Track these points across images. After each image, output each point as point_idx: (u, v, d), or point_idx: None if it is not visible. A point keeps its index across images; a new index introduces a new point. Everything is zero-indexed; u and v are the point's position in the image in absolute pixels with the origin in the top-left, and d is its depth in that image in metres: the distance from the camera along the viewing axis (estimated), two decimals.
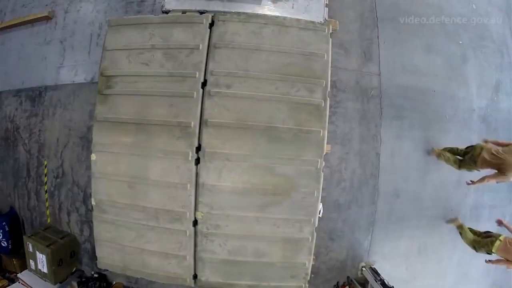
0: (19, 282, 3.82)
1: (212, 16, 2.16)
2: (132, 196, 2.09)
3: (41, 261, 3.61)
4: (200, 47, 2.09)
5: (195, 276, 2.15)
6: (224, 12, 2.20)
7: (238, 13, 2.17)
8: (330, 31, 2.13)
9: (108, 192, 2.12)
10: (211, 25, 2.14)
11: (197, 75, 2.06)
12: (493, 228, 4.01)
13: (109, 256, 2.22)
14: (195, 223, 2.07)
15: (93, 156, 2.14)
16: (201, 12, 2.27)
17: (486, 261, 3.19)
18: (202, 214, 2.05)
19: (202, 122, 2.01)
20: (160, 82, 2.08)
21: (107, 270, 2.29)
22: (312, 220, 2.00)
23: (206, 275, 2.11)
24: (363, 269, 3.48)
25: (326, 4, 3.20)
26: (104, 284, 3.70)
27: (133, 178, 2.08)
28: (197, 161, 2.02)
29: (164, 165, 2.04)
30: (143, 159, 2.06)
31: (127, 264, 2.19)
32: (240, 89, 2.02)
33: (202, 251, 2.09)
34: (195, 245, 2.09)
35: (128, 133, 2.07)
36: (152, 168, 2.05)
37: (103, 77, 2.16)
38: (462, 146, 3.37)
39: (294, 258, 2.05)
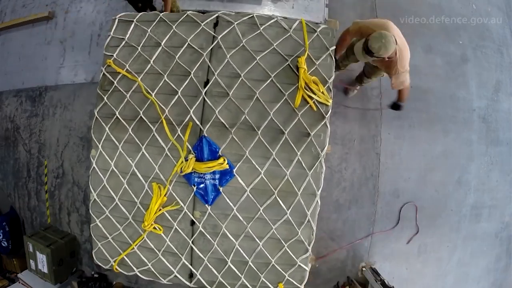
0: (19, 282, 3.83)
1: (217, 16, 2.17)
2: (130, 192, 2.10)
3: (41, 261, 3.61)
4: (204, 47, 2.10)
5: (191, 275, 2.15)
6: (227, 12, 2.20)
7: (242, 14, 2.17)
8: (335, 35, 2.13)
9: (106, 188, 2.13)
10: (215, 25, 2.15)
11: (200, 75, 2.07)
12: (492, 227, 4.03)
13: (105, 252, 2.23)
14: (192, 222, 2.08)
15: (93, 152, 2.15)
16: (203, 13, 2.28)
17: None
18: (200, 214, 2.05)
19: (203, 121, 2.02)
20: (162, 80, 2.09)
21: (108, 270, 2.29)
22: (311, 221, 2.00)
23: (202, 274, 2.11)
24: (364, 269, 3.48)
25: (326, 4, 3.23)
26: (104, 284, 3.70)
27: (132, 175, 2.09)
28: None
29: (163, 163, 2.05)
30: (143, 156, 2.07)
31: (124, 260, 2.19)
32: (241, 89, 2.03)
33: (199, 250, 2.09)
34: (192, 244, 2.09)
35: (128, 130, 2.08)
36: (151, 165, 2.06)
37: (106, 73, 2.17)
38: None
39: (291, 259, 2.05)
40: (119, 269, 2.22)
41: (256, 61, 2.04)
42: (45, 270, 3.62)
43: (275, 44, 2.06)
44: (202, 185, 2.02)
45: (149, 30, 2.17)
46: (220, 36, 2.09)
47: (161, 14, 2.22)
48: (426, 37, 3.77)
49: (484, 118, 3.93)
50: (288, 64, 2.03)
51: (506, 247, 4.17)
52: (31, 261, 3.70)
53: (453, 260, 3.84)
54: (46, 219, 4.01)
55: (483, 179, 3.91)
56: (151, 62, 2.11)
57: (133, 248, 2.14)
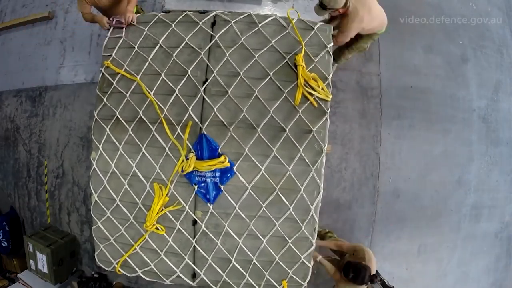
0: (19, 282, 3.83)
1: (214, 16, 2.17)
2: (131, 193, 2.10)
3: (41, 261, 3.61)
4: (202, 46, 2.10)
5: (194, 275, 2.15)
6: (225, 12, 2.21)
7: (240, 13, 2.17)
8: (332, 32, 2.13)
9: (107, 189, 2.13)
10: (213, 24, 2.15)
11: (198, 74, 2.07)
12: (492, 227, 4.03)
13: (107, 254, 2.23)
14: (194, 221, 2.08)
15: (93, 154, 2.15)
16: (202, 12, 2.28)
17: None
18: (202, 213, 2.06)
19: (202, 120, 2.02)
20: (161, 81, 2.09)
21: (108, 270, 2.29)
22: (314, 217, 2.00)
23: (206, 274, 2.11)
24: None
25: None
26: (104, 284, 3.70)
27: (133, 176, 2.09)
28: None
29: (164, 163, 2.05)
30: (143, 157, 2.07)
31: (126, 262, 2.20)
32: (240, 88, 2.03)
33: (202, 250, 2.09)
34: (195, 244, 2.09)
35: (128, 131, 2.08)
36: (152, 166, 2.06)
37: (105, 74, 2.17)
38: None
39: (294, 257, 2.05)
40: (122, 270, 2.22)
41: (254, 59, 2.04)
42: (45, 270, 3.62)
43: (273, 41, 2.06)
44: (203, 184, 2.02)
45: (146, 30, 2.18)
46: (218, 35, 2.09)
47: (159, 14, 2.22)
48: (426, 37, 3.77)
49: (484, 118, 3.93)
50: (287, 61, 2.04)
51: (506, 247, 4.17)
52: (31, 261, 3.70)
53: (453, 260, 3.84)
54: (46, 219, 4.00)
55: (483, 179, 3.91)
56: (149, 61, 2.11)
57: (136, 249, 2.14)
